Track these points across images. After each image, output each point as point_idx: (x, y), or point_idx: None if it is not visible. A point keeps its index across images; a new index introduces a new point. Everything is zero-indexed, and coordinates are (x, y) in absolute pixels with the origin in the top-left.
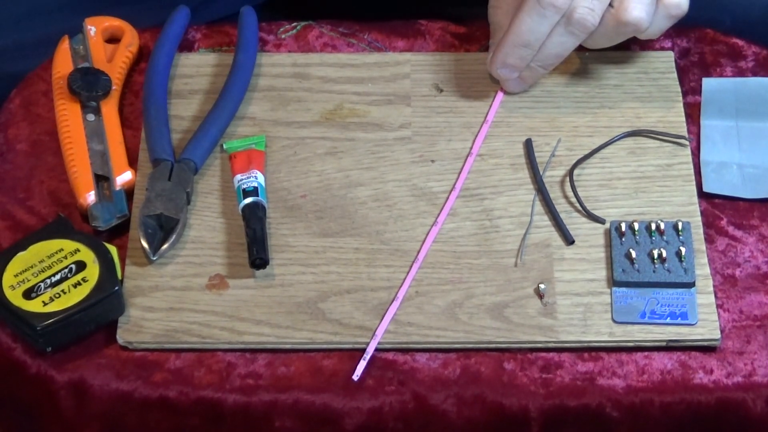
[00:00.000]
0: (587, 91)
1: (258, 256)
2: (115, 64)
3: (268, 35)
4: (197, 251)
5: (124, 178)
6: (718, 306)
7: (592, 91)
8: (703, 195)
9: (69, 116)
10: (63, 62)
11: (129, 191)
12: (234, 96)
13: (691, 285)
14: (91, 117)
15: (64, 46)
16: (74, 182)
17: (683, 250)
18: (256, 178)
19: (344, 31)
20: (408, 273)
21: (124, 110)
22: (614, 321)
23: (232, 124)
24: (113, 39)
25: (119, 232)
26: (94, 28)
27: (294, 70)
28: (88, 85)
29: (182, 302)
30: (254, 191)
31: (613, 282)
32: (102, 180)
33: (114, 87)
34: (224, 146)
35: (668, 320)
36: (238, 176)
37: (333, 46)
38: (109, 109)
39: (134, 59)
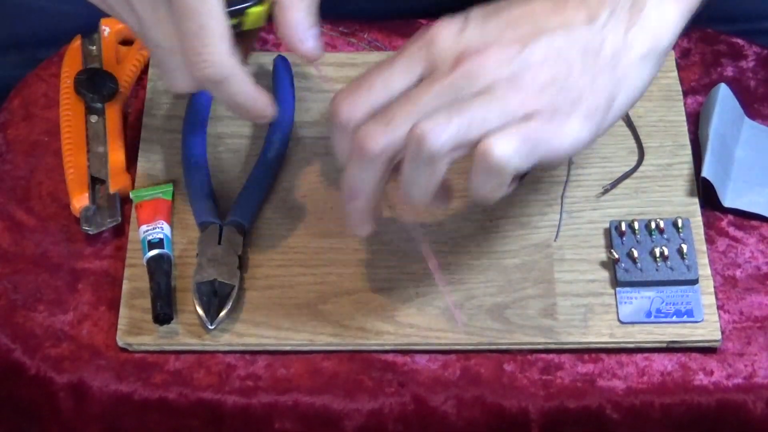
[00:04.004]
0: None
1: (161, 311)
2: (125, 66)
3: (267, 35)
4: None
5: (119, 182)
6: (719, 307)
7: None
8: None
9: (72, 116)
10: (73, 62)
11: (124, 196)
12: (277, 150)
13: (695, 282)
14: (94, 118)
15: (75, 46)
16: (69, 184)
17: (684, 247)
18: (162, 229)
19: (344, 30)
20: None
21: (129, 114)
22: (620, 321)
23: (225, 120)
24: (127, 41)
25: (118, 233)
26: (108, 28)
27: (293, 69)
28: (93, 86)
29: (182, 303)
30: (159, 243)
31: (617, 282)
32: (98, 183)
33: (120, 90)
34: (131, 195)
35: (674, 318)
36: (143, 227)
37: (333, 45)
38: (113, 111)
39: (145, 62)
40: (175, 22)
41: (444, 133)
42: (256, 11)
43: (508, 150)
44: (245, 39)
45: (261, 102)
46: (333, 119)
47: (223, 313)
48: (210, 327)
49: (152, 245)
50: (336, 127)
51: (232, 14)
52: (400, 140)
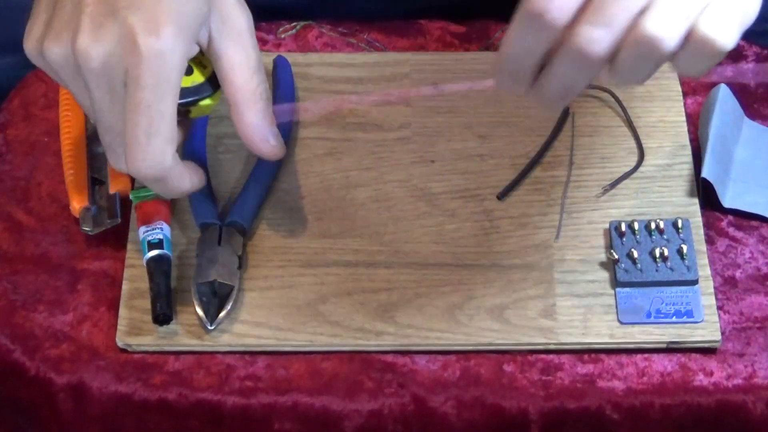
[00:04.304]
0: (587, 91)
1: (161, 312)
2: None
3: (267, 35)
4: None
5: (119, 183)
6: (719, 307)
7: (592, 90)
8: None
9: (72, 117)
10: None
11: (124, 197)
12: None
13: (695, 282)
14: None
15: None
16: (68, 184)
17: (684, 247)
18: (161, 229)
19: (344, 30)
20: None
21: None
22: (620, 322)
23: (225, 120)
24: None
25: (118, 233)
26: None
27: (293, 69)
28: None
29: (182, 304)
30: (159, 243)
31: (617, 283)
32: (98, 183)
33: None
34: (130, 196)
35: (674, 319)
36: (143, 228)
37: (332, 45)
38: None
39: None
40: (127, 110)
41: (676, 29)
42: (206, 104)
43: (731, 34)
44: (186, 121)
45: (192, 183)
46: (534, 15)
47: (222, 314)
48: (210, 327)
49: (152, 246)
50: (539, 24)
51: (183, 105)
52: (619, 41)
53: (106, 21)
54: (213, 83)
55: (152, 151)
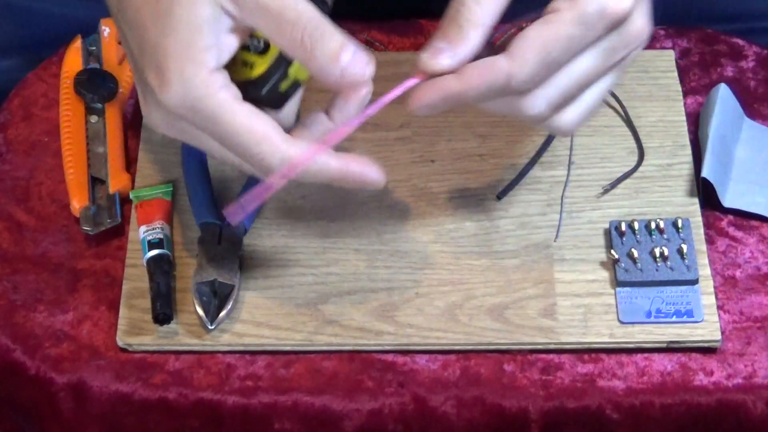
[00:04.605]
0: None
1: (161, 311)
2: (125, 66)
3: None
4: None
5: (119, 182)
6: (719, 307)
7: None
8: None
9: (72, 117)
10: (73, 61)
11: (124, 197)
12: None
13: (695, 282)
14: (94, 119)
15: (76, 46)
16: (69, 184)
17: (684, 247)
18: (161, 229)
19: (344, 30)
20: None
21: (129, 114)
22: (620, 321)
23: None
24: None
25: (118, 233)
26: (109, 29)
27: None
28: (93, 86)
29: (182, 303)
30: (159, 243)
31: (617, 282)
32: (98, 183)
33: (121, 90)
34: (130, 196)
35: (674, 318)
36: (143, 227)
37: None
38: (113, 112)
39: None
40: (235, 153)
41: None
42: (296, 68)
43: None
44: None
45: (360, 172)
46: (612, 17)
47: (223, 313)
48: (210, 327)
49: (152, 245)
50: (613, 24)
51: (279, 81)
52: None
53: (144, 88)
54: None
55: (261, 160)
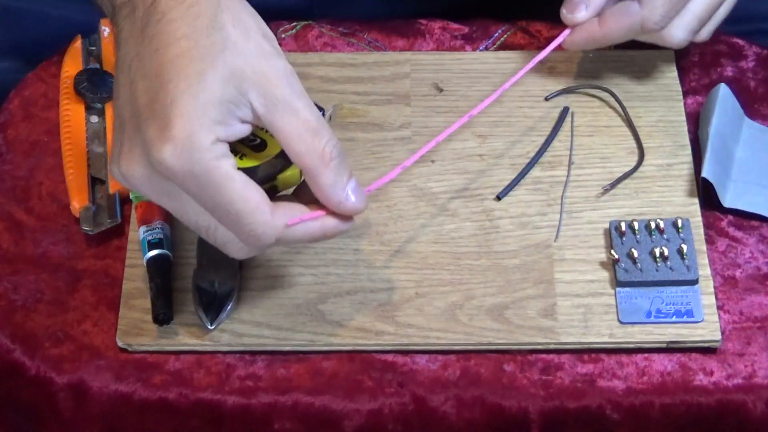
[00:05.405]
0: (587, 91)
1: (161, 312)
2: None
3: None
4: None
5: (119, 182)
6: (719, 307)
7: (592, 90)
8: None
9: (72, 117)
10: (73, 62)
11: (124, 197)
12: None
13: (695, 282)
14: (94, 119)
15: (76, 46)
16: (69, 184)
17: (684, 247)
18: (161, 229)
19: (344, 30)
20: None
21: None
22: (620, 322)
23: None
24: None
25: (118, 233)
26: (108, 29)
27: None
28: (93, 86)
29: (182, 304)
30: (159, 243)
31: (617, 282)
32: (99, 183)
33: None
34: (130, 196)
35: (674, 318)
36: (143, 227)
37: (333, 45)
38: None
39: None
40: (210, 214)
41: None
42: (289, 174)
43: None
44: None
45: (333, 227)
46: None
47: (222, 314)
48: (210, 327)
49: (152, 245)
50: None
51: (264, 181)
52: None
53: (135, 138)
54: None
55: (252, 232)
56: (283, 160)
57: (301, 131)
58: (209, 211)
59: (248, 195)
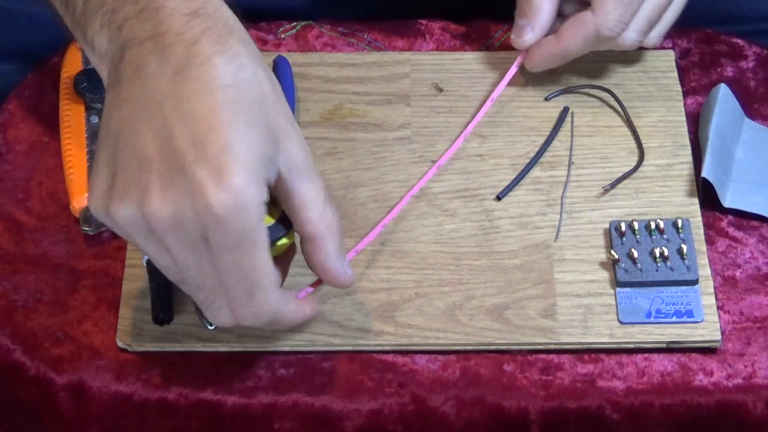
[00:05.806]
0: (587, 91)
1: (161, 312)
2: None
3: (267, 35)
4: None
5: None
6: (719, 307)
7: (592, 90)
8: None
9: (72, 117)
10: (73, 62)
11: None
12: None
13: (695, 282)
14: (94, 119)
15: (76, 46)
16: (69, 184)
17: (684, 247)
18: None
19: (344, 30)
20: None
21: None
22: (620, 322)
23: None
24: None
25: None
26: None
27: (293, 69)
28: (93, 86)
29: (182, 304)
30: None
31: (617, 282)
32: None
33: None
34: None
35: (674, 318)
36: None
37: (332, 45)
38: None
39: None
40: (219, 272)
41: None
42: (282, 244)
43: None
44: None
45: (303, 314)
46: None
47: None
48: (209, 327)
49: None
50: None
51: None
52: None
53: (175, 179)
54: (284, 222)
55: (257, 305)
56: (280, 228)
57: (317, 199)
58: (221, 272)
59: (270, 268)
